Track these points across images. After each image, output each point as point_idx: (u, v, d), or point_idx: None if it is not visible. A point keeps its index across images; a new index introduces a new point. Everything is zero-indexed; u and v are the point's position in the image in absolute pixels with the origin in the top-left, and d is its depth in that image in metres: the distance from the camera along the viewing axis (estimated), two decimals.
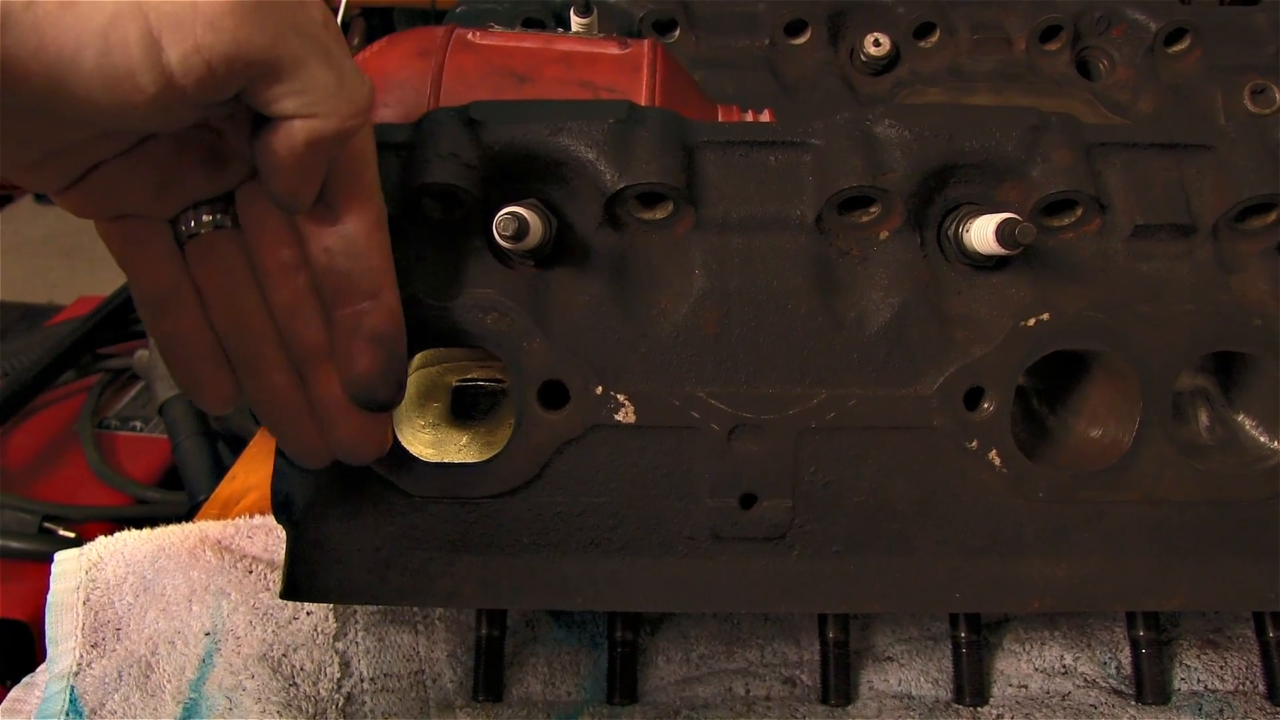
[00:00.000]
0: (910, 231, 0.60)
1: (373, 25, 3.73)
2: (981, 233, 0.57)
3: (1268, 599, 0.63)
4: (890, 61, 0.95)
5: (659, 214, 0.59)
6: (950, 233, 0.60)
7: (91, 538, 0.78)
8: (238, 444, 1.41)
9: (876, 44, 0.93)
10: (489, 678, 0.68)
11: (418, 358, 0.64)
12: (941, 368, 0.59)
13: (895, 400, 0.59)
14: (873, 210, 0.60)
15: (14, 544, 1.25)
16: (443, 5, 2.76)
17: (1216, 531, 0.62)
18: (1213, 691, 0.70)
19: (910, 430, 0.60)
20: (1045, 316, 0.60)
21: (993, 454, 0.60)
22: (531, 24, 0.93)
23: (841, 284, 0.60)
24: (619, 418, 0.59)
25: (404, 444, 0.59)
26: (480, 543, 0.60)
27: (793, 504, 0.60)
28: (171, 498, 1.40)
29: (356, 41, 3.63)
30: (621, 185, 0.57)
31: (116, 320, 1.67)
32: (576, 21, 0.85)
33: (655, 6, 0.94)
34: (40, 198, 4.00)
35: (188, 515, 0.86)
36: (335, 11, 1.03)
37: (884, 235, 0.60)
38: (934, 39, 0.95)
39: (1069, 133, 0.60)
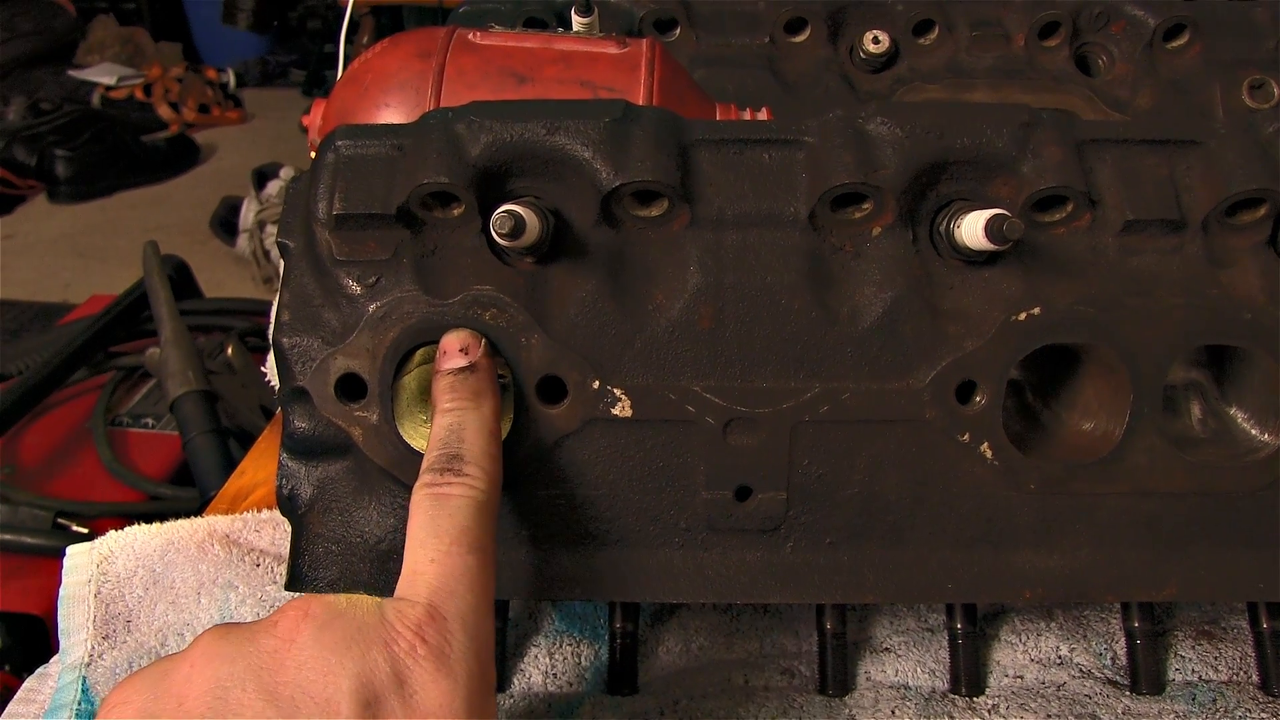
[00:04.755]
0: (903, 227, 0.61)
1: (382, 23, 3.76)
2: (972, 228, 0.57)
3: (1259, 590, 0.64)
4: (889, 59, 0.95)
5: (654, 211, 0.60)
6: (942, 228, 0.61)
7: (104, 534, 0.79)
8: (248, 440, 1.43)
9: (876, 41, 0.94)
10: None
11: (420, 353, 0.65)
12: (934, 362, 0.60)
13: (888, 394, 0.60)
14: (865, 207, 0.60)
15: (28, 540, 1.27)
16: (449, 4, 2.78)
17: (1208, 523, 0.63)
18: (1207, 682, 0.70)
19: (903, 423, 0.60)
20: (1036, 311, 0.60)
21: (984, 447, 0.61)
22: (533, 24, 0.94)
23: (835, 279, 0.61)
24: (615, 412, 0.60)
25: (406, 439, 0.61)
26: None
27: (787, 496, 0.61)
28: (183, 494, 1.42)
29: (366, 39, 3.65)
30: (617, 183, 0.58)
31: (128, 318, 1.69)
32: (578, 21, 0.86)
33: (656, 6, 0.95)
34: (53, 197, 4.02)
35: (199, 511, 0.88)
36: (343, 10, 1.04)
37: (876, 231, 0.61)
38: (933, 36, 0.96)
39: (1060, 129, 0.61)
